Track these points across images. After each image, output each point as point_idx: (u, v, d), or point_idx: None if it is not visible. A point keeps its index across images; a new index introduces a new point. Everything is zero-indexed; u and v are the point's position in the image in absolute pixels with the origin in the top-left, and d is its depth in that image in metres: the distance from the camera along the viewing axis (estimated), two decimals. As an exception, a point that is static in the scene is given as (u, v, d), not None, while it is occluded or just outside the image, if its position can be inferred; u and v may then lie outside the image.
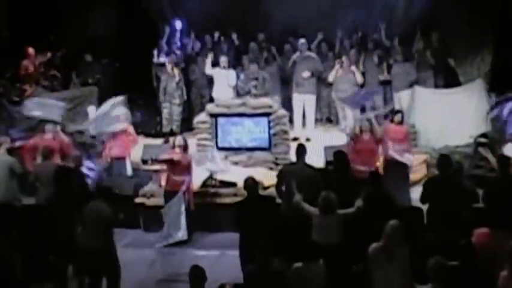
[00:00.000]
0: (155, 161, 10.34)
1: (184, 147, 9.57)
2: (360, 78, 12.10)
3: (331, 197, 7.04)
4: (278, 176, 8.49)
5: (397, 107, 11.47)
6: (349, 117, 12.01)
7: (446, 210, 7.34)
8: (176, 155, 9.43)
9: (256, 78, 11.91)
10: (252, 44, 13.10)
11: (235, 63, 12.83)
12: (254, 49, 13.01)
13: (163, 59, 12.87)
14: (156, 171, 10.39)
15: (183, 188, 9.23)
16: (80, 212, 7.37)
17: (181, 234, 9.13)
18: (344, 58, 12.19)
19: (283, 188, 8.21)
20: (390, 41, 12.78)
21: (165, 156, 9.71)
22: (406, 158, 9.64)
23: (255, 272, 6.08)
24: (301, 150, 8.52)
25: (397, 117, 9.94)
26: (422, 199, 7.81)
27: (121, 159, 10.64)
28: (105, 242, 7.27)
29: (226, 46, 13.32)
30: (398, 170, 9.54)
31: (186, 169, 9.40)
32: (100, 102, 11.73)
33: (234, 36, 13.42)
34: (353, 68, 12.16)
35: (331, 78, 12.25)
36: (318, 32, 13.13)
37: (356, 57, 12.47)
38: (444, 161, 7.85)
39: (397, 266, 5.92)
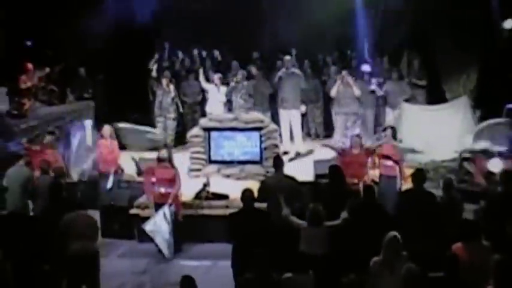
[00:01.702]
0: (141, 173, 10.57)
1: (169, 160, 9.70)
2: (357, 92, 12.23)
3: (318, 209, 7.13)
4: (259, 189, 8.25)
5: (392, 123, 11.52)
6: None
7: (419, 223, 7.44)
8: (156, 165, 9.57)
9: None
10: (234, 62, 13.37)
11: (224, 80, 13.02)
12: (235, 66, 13.27)
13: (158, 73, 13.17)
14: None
15: (169, 200, 9.31)
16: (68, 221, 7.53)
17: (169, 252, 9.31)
18: (344, 73, 12.31)
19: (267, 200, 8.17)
20: (372, 59, 13.09)
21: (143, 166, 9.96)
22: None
23: (253, 281, 6.11)
24: (277, 162, 8.50)
25: (387, 134, 9.95)
26: (396, 211, 7.93)
27: (104, 173, 10.75)
28: (95, 247, 7.50)
29: (211, 62, 13.62)
30: (389, 184, 9.61)
31: (171, 181, 9.41)
32: (97, 116, 11.95)
33: (217, 53, 13.68)
34: (354, 84, 12.26)
35: (333, 93, 12.37)
36: (293, 48, 13.44)
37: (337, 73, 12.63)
38: (418, 175, 7.97)
39: (399, 277, 5.79)
